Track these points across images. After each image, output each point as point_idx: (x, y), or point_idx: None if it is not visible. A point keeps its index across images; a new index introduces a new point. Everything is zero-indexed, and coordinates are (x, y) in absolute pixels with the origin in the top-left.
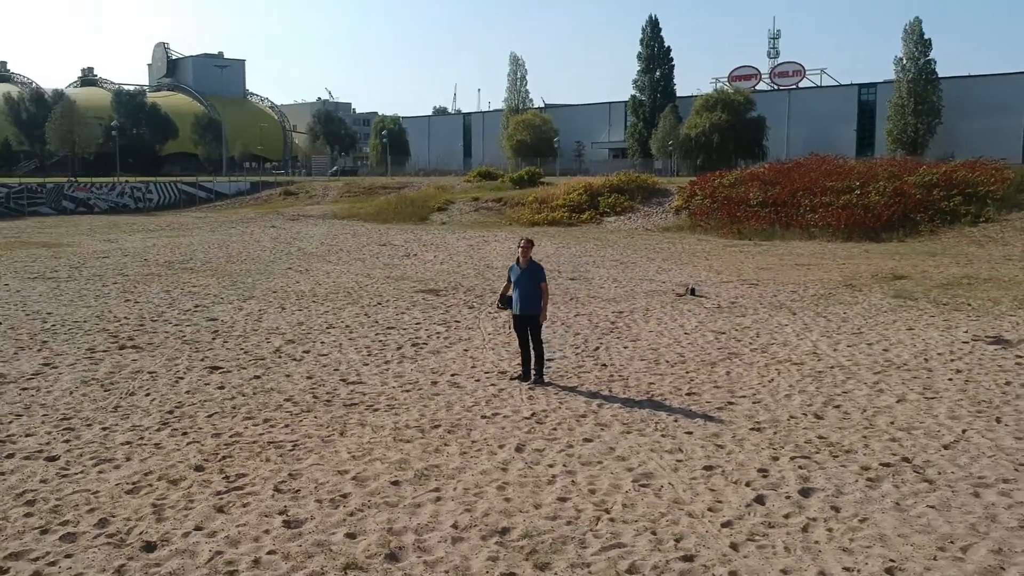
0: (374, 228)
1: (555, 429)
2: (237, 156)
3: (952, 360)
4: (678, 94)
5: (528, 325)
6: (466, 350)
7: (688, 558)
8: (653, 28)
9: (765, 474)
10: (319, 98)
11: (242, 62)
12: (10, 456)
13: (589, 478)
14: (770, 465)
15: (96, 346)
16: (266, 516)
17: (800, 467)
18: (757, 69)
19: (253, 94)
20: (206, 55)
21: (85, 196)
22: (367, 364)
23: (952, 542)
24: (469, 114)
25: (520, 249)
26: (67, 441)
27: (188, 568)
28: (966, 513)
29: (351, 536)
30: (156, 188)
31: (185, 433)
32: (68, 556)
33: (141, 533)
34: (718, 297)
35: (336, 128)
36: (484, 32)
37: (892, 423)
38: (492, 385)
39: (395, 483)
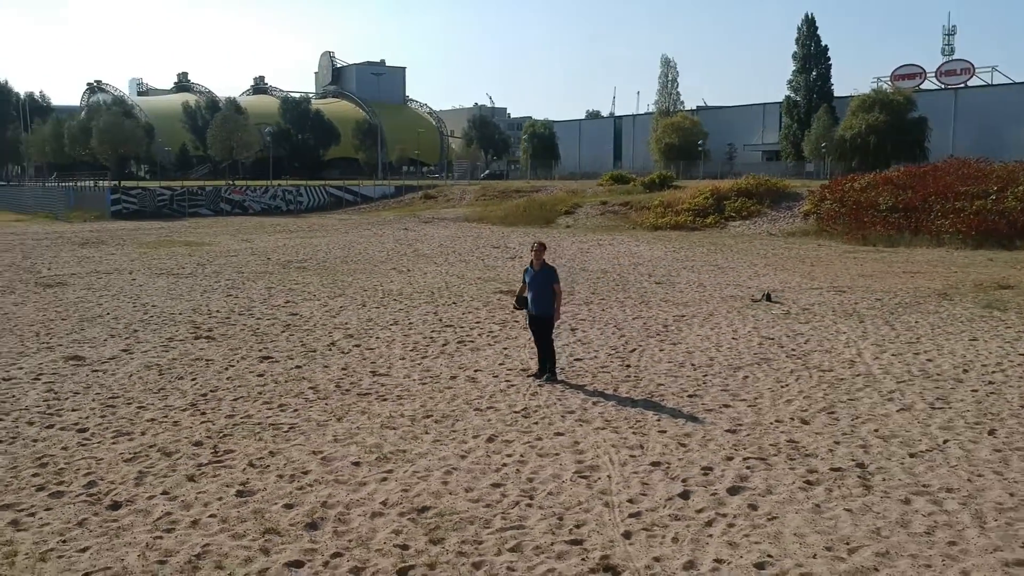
0: (498, 231)
1: (536, 423)
2: (395, 160)
3: (992, 372)
4: (836, 94)
5: (542, 324)
6: (505, 349)
7: (575, 542)
8: (809, 27)
9: (707, 472)
10: (476, 103)
11: (402, 69)
12: (50, 427)
13: (535, 468)
14: (719, 464)
15: (175, 336)
16: (227, 487)
17: (747, 467)
18: (922, 68)
19: (412, 100)
20: (369, 63)
21: (241, 199)
22: (404, 358)
23: (846, 543)
24: (620, 117)
25: (533, 252)
26: (103, 417)
27: (136, 524)
28: (879, 518)
29: (288, 507)
30: (306, 191)
31: (204, 413)
32: (47, 510)
33: (115, 494)
34: (794, 303)
35: (490, 133)
36: (640, 34)
37: (876, 431)
38: (506, 381)
39: (356, 464)
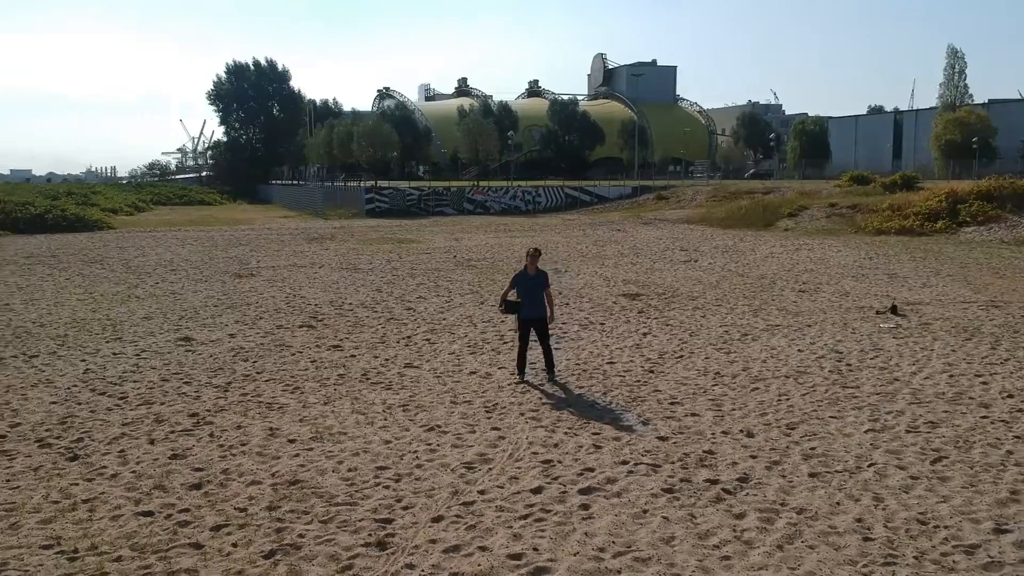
0: (708, 233)
1: (490, 418)
2: (658, 160)
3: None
4: None
5: (536, 328)
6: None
7: (385, 520)
8: None
9: (586, 473)
10: (749, 100)
11: (673, 68)
12: (101, 394)
13: (435, 457)
14: (606, 467)
15: (285, 324)
16: (171, 451)
17: (628, 472)
18: None
19: (683, 99)
20: (640, 63)
21: (482, 199)
22: (453, 353)
23: (624, 546)
24: (901, 112)
25: (528, 257)
26: (150, 389)
27: (82, 472)
28: (689, 529)
29: (196, 470)
30: (544, 192)
31: (227, 391)
32: (27, 456)
33: (83, 448)
34: (921, 317)
35: (760, 131)
36: (929, 24)
37: (813, 449)
38: (507, 379)
39: (291, 441)
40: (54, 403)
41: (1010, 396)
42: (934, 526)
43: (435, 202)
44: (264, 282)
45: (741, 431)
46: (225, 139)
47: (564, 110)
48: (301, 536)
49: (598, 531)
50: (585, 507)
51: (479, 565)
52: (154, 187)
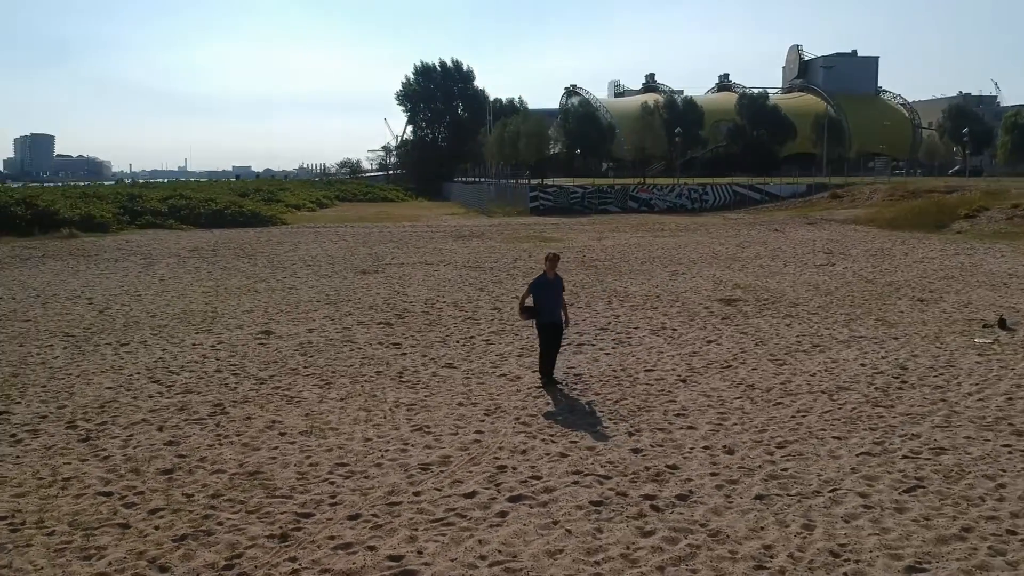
0: (873, 235)
1: (483, 421)
2: (853, 155)
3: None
4: None
5: (553, 332)
6: (603, 351)
7: (305, 515)
8: None
9: (530, 481)
10: (960, 92)
11: (875, 59)
12: (155, 381)
13: (404, 456)
14: (554, 477)
15: (367, 321)
16: (173, 439)
17: (573, 483)
18: None
19: (885, 91)
20: (838, 55)
21: (647, 197)
22: (501, 355)
23: (507, 553)
24: None
25: (548, 263)
26: (199, 379)
27: (81, 453)
28: (584, 540)
29: (180, 456)
30: (712, 190)
31: (264, 383)
32: (50, 436)
33: (101, 431)
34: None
35: (968, 124)
36: None
37: (784, 470)
38: (534, 382)
39: (281, 434)
40: (109, 388)
41: None
42: (844, 559)
43: (599, 200)
44: (382, 279)
45: (724, 447)
46: (412, 138)
47: (753, 104)
48: (220, 524)
49: (493, 540)
50: (502, 515)
51: (353, 564)
52: (343, 184)
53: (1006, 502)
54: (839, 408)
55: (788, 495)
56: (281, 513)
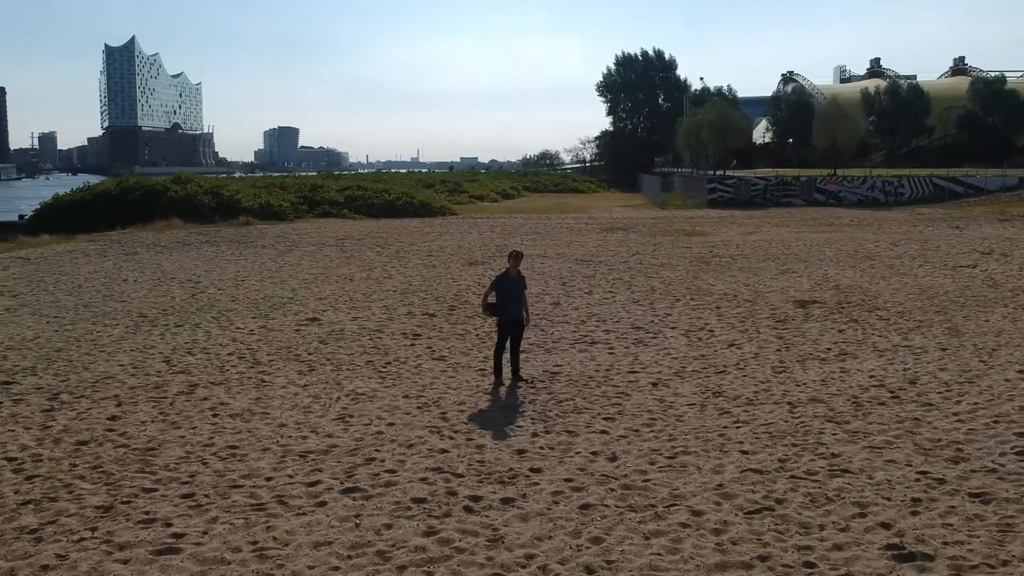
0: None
1: (408, 414)
2: None
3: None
4: None
5: (512, 331)
6: (610, 350)
7: (186, 495)
8: None
9: (384, 476)
10: None
11: None
12: (165, 361)
13: (298, 444)
14: (407, 472)
15: (415, 311)
16: (117, 415)
17: (420, 480)
18: None
19: None
20: None
21: (835, 189)
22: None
23: (285, 544)
24: None
25: (510, 260)
26: (209, 361)
27: (28, 421)
28: (364, 534)
29: (109, 431)
30: (908, 182)
31: (256, 366)
32: (28, 405)
33: (70, 404)
34: None
35: None
36: None
37: (649, 480)
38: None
39: (215, 415)
40: (120, 366)
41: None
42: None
43: (782, 192)
44: (481, 270)
45: (609, 454)
46: (611, 129)
47: (987, 89)
48: (70, 492)
49: (279, 528)
50: (320, 504)
51: (138, 537)
52: (537, 175)
53: (846, 533)
54: (784, 422)
55: (617, 506)
56: (130, 487)
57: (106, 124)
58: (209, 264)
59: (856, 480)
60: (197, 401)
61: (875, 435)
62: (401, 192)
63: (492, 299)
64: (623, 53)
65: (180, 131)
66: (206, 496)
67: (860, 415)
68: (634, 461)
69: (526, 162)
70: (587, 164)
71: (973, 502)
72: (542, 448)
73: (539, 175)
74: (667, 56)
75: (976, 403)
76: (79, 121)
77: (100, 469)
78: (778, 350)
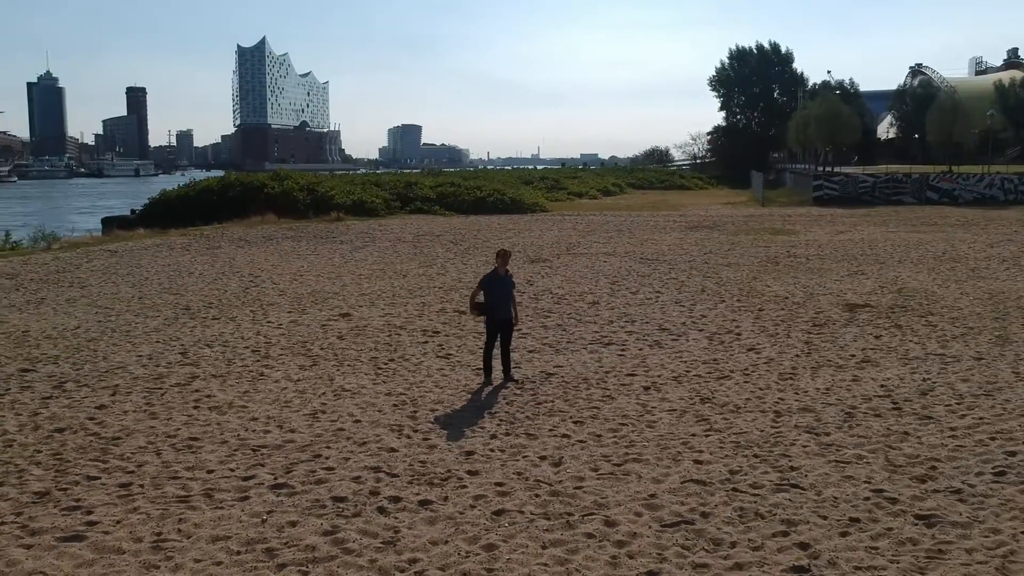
0: None
1: (380, 411)
2: None
3: None
4: None
5: (501, 330)
6: (621, 352)
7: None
8: None
9: (314, 473)
10: None
11: None
12: (181, 353)
13: (259, 438)
14: (348, 470)
15: (448, 309)
16: (104, 404)
17: (351, 479)
18: None
19: None
20: None
21: (949, 187)
22: (515, 349)
23: (188, 536)
24: None
25: (499, 259)
26: (221, 353)
27: (32, 406)
28: (263, 529)
29: (90, 419)
30: None
31: (263, 360)
32: (39, 391)
33: (73, 390)
34: None
35: None
36: None
37: (560, 483)
38: (492, 378)
39: (196, 407)
40: (138, 357)
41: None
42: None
43: (892, 190)
44: (541, 267)
45: (556, 459)
46: (724, 124)
47: None
48: (19, 477)
49: (189, 519)
50: (242, 499)
51: (53, 524)
52: (644, 171)
53: (756, 552)
54: (760, 431)
55: (532, 514)
56: (76, 475)
57: (238, 122)
58: (279, 259)
59: (800, 496)
60: (188, 393)
61: (849, 449)
62: (493, 189)
63: (480, 298)
64: (737, 47)
65: (308, 129)
66: (141, 486)
67: (846, 427)
68: (578, 467)
69: (635, 159)
70: (698, 160)
71: (916, 524)
72: (492, 451)
73: (646, 171)
74: (783, 49)
75: (982, 418)
76: (215, 119)
77: (59, 456)
78: (797, 355)
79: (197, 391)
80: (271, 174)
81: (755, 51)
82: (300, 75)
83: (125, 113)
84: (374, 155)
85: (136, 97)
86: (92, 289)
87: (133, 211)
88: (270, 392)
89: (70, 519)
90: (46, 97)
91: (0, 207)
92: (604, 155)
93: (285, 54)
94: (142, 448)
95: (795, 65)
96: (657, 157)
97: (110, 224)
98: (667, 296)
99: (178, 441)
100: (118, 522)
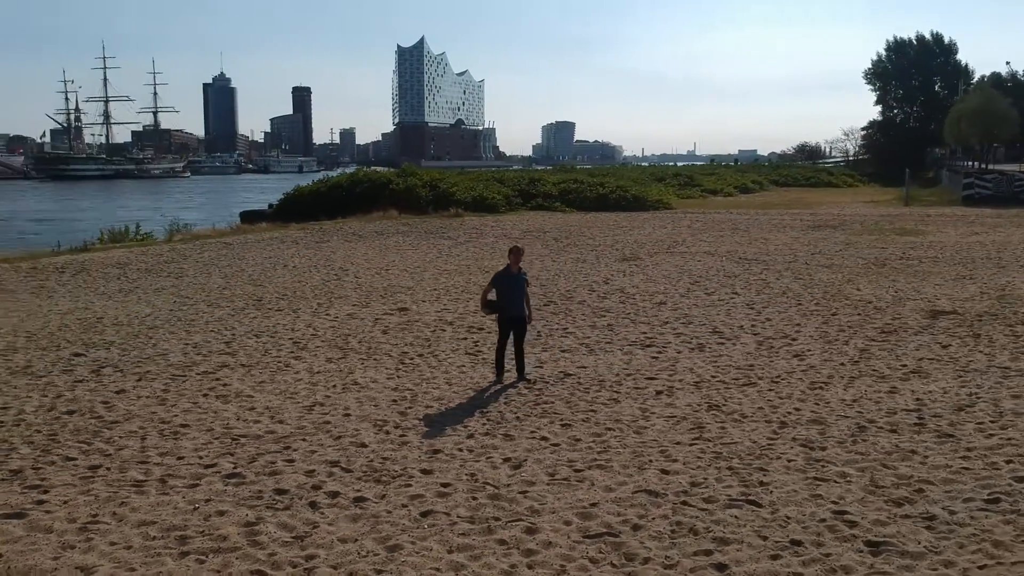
0: None
1: (376, 406)
2: None
3: None
4: None
5: (515, 328)
6: (658, 354)
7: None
8: None
9: (269, 465)
10: None
11: None
12: (226, 343)
13: (244, 428)
14: (318, 454)
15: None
16: (129, 389)
17: (304, 473)
18: None
19: None
20: None
21: None
22: (538, 346)
23: (118, 521)
24: None
25: (511, 256)
26: (257, 346)
27: (65, 385)
28: (185, 516)
29: (104, 403)
30: None
31: (296, 351)
32: (78, 375)
33: (116, 369)
34: None
35: None
36: None
37: (528, 481)
38: (493, 377)
39: (205, 396)
40: (184, 345)
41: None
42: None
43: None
44: (625, 266)
45: (514, 460)
46: (880, 119)
47: None
48: (6, 455)
49: (129, 505)
50: (192, 486)
51: (6, 503)
52: (789, 168)
53: (667, 570)
54: (751, 442)
55: (459, 517)
56: (57, 455)
57: (396, 120)
58: (377, 253)
59: (751, 514)
60: (208, 381)
61: (836, 466)
62: (616, 186)
63: (492, 296)
64: (895, 38)
65: (463, 127)
66: (108, 469)
67: (848, 442)
68: (536, 471)
69: (784, 155)
70: (851, 158)
71: (861, 552)
72: (461, 450)
73: (792, 168)
74: (946, 39)
75: (1010, 439)
76: (377, 117)
77: (53, 437)
78: (842, 364)
79: (217, 380)
80: (396, 171)
81: (914, 42)
82: (457, 74)
83: (291, 112)
84: (528, 152)
85: (301, 96)
86: (186, 279)
87: (270, 205)
88: (284, 383)
89: (24, 497)
90: (219, 97)
91: (170, 200)
92: (764, 151)
93: (443, 53)
94: (132, 433)
95: (959, 56)
96: (808, 153)
97: (248, 217)
98: (742, 298)
99: (168, 428)
100: (65, 502)
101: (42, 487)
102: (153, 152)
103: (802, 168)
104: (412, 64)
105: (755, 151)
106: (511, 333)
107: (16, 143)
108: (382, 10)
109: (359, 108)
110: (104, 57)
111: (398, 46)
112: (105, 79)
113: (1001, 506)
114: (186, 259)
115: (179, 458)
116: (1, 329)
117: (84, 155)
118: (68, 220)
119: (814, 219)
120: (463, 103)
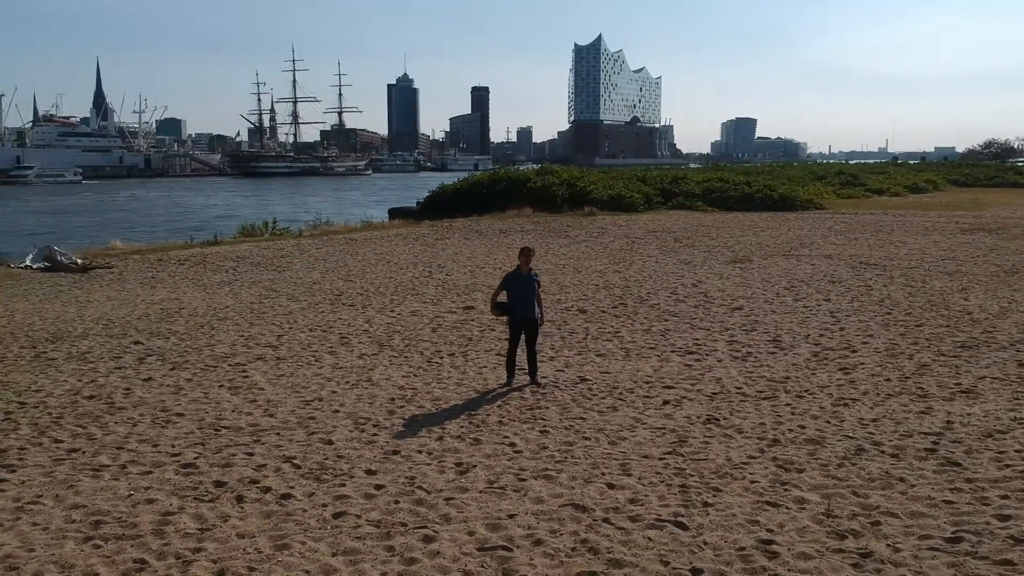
0: None
1: (364, 400)
2: None
3: None
4: None
5: (526, 329)
6: (694, 362)
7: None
8: None
9: (235, 459)
10: None
11: None
12: (257, 337)
13: (233, 421)
14: (280, 451)
15: (575, 306)
16: (157, 379)
17: (273, 468)
18: None
19: None
20: None
21: None
22: (561, 347)
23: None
24: None
25: (521, 257)
26: (304, 340)
27: (89, 375)
28: (141, 506)
29: (124, 390)
30: None
31: (339, 344)
32: (101, 360)
33: (161, 358)
34: None
35: None
36: None
37: (460, 488)
38: (515, 379)
39: (220, 386)
40: (241, 336)
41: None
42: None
43: None
44: (729, 269)
45: (467, 466)
46: None
47: None
48: (4, 435)
49: (81, 492)
50: (144, 473)
51: None
52: (972, 167)
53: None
54: (727, 460)
55: (367, 521)
56: (49, 436)
57: (572, 118)
58: (484, 251)
59: (668, 536)
60: (234, 373)
61: (800, 490)
62: (763, 185)
63: (502, 298)
64: None
65: (639, 124)
66: (84, 453)
67: (832, 466)
68: (477, 478)
69: (967, 153)
70: None
71: None
72: (420, 453)
73: (975, 167)
74: None
75: (981, 480)
76: (554, 115)
77: (57, 420)
78: (887, 380)
79: (243, 372)
80: (535, 170)
81: None
82: (634, 71)
83: (469, 111)
84: (706, 149)
85: (479, 95)
86: (287, 274)
87: (417, 202)
88: (302, 377)
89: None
90: (402, 97)
91: (347, 196)
92: (960, 148)
93: (620, 51)
94: (128, 420)
95: None
96: (996, 151)
97: (396, 214)
98: (830, 305)
99: (163, 417)
100: (22, 483)
101: (13, 467)
102: (337, 150)
103: (986, 167)
104: (589, 62)
105: (953, 148)
106: (522, 335)
107: (218, 142)
108: (561, 9)
109: (536, 106)
110: (293, 60)
111: (575, 44)
112: (294, 81)
113: (959, 547)
114: (302, 254)
115: (154, 446)
116: (90, 316)
117: (273, 153)
118: (250, 215)
119: (973, 222)
120: (639, 100)
